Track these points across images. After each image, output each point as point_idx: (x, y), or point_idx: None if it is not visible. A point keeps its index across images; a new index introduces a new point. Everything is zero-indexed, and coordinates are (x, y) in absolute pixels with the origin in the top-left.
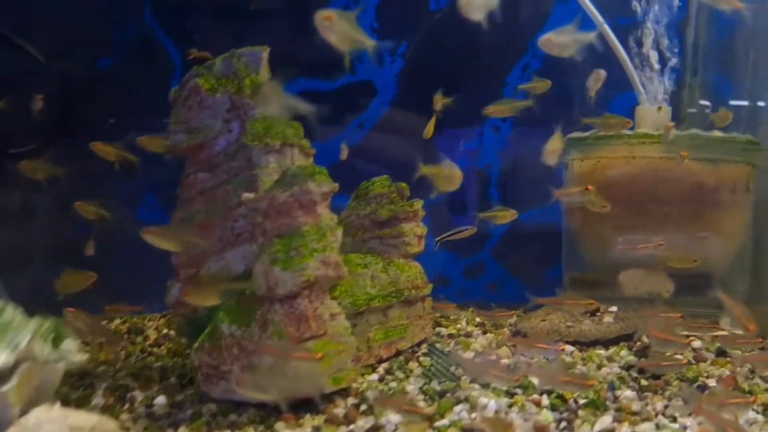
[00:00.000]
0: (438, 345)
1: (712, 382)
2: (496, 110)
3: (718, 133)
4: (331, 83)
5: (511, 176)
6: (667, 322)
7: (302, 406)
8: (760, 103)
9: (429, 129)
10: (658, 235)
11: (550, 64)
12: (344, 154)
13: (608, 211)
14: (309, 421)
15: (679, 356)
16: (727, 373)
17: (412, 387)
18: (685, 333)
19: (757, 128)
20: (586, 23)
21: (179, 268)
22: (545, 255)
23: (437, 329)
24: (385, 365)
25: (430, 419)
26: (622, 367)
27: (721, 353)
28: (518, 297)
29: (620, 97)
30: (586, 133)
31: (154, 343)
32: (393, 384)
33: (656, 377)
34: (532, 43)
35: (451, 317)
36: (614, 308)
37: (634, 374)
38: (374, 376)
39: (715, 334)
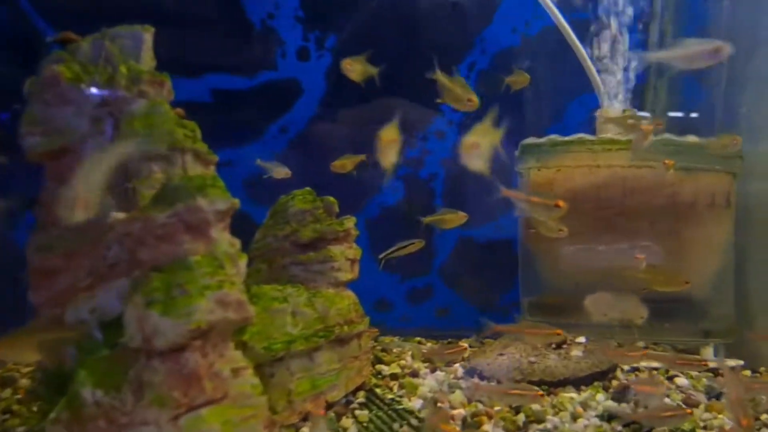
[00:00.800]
0: (378, 391)
1: None
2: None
3: (693, 139)
4: (248, 80)
5: (457, 187)
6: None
7: None
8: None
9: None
10: (629, 257)
11: (498, 64)
12: (279, 172)
13: (565, 235)
14: None
15: (667, 400)
16: (728, 423)
17: None
18: (665, 367)
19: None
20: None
21: (40, 308)
22: (499, 276)
23: (377, 366)
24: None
25: None
26: (601, 417)
27: (713, 395)
28: (469, 323)
29: (577, 100)
30: (543, 139)
31: (24, 398)
32: None
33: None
34: (479, 39)
35: (394, 350)
36: (582, 339)
37: (618, 427)
38: None
39: (704, 370)
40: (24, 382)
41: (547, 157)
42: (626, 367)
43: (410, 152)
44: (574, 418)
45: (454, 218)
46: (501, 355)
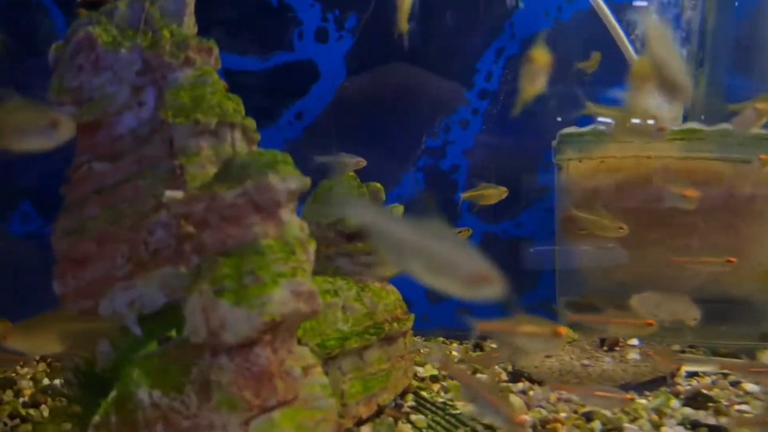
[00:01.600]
0: (424, 394)
1: None
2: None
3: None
4: (262, 61)
5: (482, 180)
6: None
7: None
8: None
9: None
10: (679, 252)
11: (529, 50)
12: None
13: (625, 233)
14: None
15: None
16: None
17: None
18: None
19: None
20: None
21: (67, 300)
22: (522, 274)
23: (415, 369)
24: (365, 429)
25: None
26: (684, 426)
27: None
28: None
29: (615, 88)
30: (585, 128)
31: (30, 401)
32: None
33: None
34: (509, 23)
35: (422, 350)
36: (635, 341)
37: None
38: None
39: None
40: (24, 383)
41: (590, 148)
42: (683, 373)
43: (431, 142)
44: (655, 426)
45: (494, 193)
46: (548, 357)
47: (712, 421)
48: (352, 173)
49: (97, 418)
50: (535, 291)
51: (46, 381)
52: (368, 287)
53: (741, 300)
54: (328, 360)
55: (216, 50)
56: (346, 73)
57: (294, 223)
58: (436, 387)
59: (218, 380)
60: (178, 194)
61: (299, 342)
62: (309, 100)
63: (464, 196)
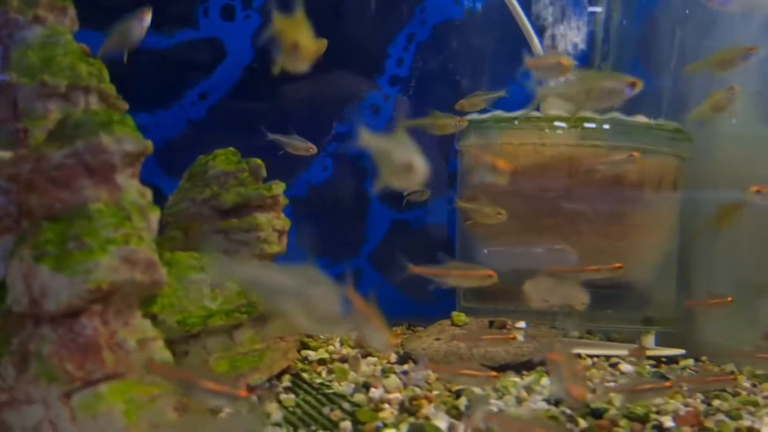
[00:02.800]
0: (305, 376)
1: (668, 421)
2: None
3: (642, 119)
4: (167, 39)
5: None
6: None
7: None
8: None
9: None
10: (570, 239)
11: (439, 36)
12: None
13: (504, 219)
14: None
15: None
16: (682, 408)
17: None
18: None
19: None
20: None
21: None
22: (433, 262)
23: (303, 352)
24: (227, 408)
25: None
26: (548, 401)
27: (660, 376)
28: (400, 312)
29: (522, 78)
30: (486, 115)
31: None
32: None
33: (597, 415)
34: (420, 9)
35: (322, 336)
36: (522, 324)
37: (569, 411)
38: None
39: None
40: None
41: (491, 134)
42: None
43: (340, 127)
44: (520, 401)
45: (490, 212)
46: (437, 339)
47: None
48: (232, 148)
49: None
50: None
51: None
52: None
53: (627, 285)
54: (189, 338)
55: (72, 10)
56: (253, 53)
57: (132, 189)
58: (321, 369)
59: (38, 351)
60: (6, 155)
61: (154, 318)
62: (214, 80)
63: (461, 205)
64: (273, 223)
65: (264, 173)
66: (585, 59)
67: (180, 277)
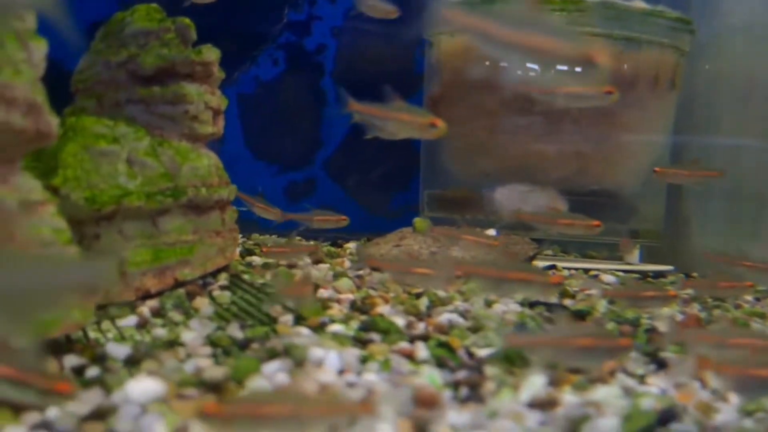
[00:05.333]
0: (247, 277)
1: (661, 325)
2: None
3: (640, 4)
4: None
5: (352, 65)
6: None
7: None
8: None
9: None
10: (550, 143)
11: None
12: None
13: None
14: None
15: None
16: (678, 313)
17: (192, 335)
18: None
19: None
20: None
21: None
22: (394, 174)
23: (248, 258)
24: (153, 303)
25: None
26: (521, 304)
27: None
28: (358, 225)
29: None
30: None
31: None
32: (160, 331)
33: (580, 316)
34: None
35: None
36: (492, 232)
37: (545, 313)
38: (130, 320)
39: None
40: None
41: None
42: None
43: (294, 15)
44: (488, 304)
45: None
46: (397, 246)
47: (553, 300)
48: (155, 5)
49: None
50: (406, 194)
51: None
52: (169, 143)
53: (612, 193)
54: (100, 219)
55: None
56: None
57: None
58: (267, 273)
59: None
60: None
61: (56, 191)
62: None
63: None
64: (205, 98)
65: (194, 36)
66: None
67: (86, 146)
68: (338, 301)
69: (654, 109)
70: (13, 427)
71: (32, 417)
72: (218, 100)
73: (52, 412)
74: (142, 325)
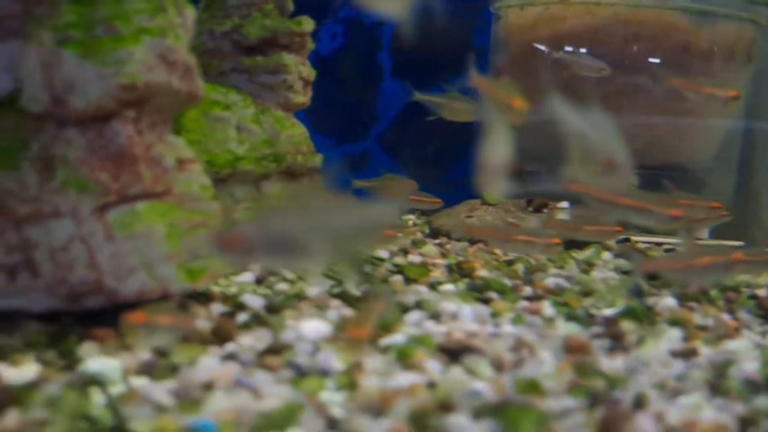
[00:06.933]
0: None
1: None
2: None
3: None
4: None
5: (411, 41)
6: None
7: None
8: None
9: None
10: (621, 116)
11: None
12: None
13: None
14: (146, 341)
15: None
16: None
17: (314, 291)
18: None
19: None
20: None
21: None
22: (447, 147)
23: None
24: None
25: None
26: (618, 271)
27: None
28: None
29: None
30: None
31: None
32: (280, 287)
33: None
34: None
35: None
36: (565, 204)
37: (647, 282)
38: (247, 276)
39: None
40: None
41: None
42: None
43: None
44: (586, 271)
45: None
46: (468, 217)
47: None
48: None
49: None
50: (459, 168)
51: None
52: (269, 112)
53: (681, 168)
54: (217, 182)
55: None
56: None
57: None
58: None
59: (64, 155)
60: None
61: None
62: None
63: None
64: (300, 70)
65: (291, 7)
66: None
67: (204, 112)
68: (434, 265)
69: (728, 83)
70: (205, 357)
71: (217, 350)
72: (309, 71)
73: (231, 347)
74: (259, 281)
